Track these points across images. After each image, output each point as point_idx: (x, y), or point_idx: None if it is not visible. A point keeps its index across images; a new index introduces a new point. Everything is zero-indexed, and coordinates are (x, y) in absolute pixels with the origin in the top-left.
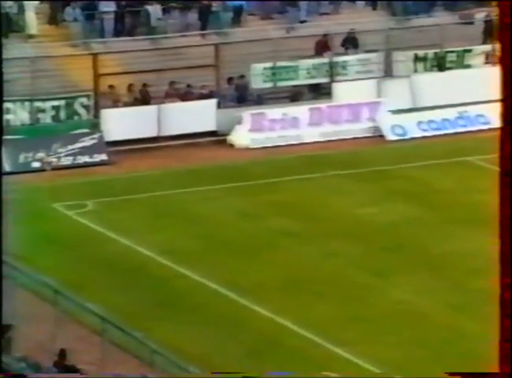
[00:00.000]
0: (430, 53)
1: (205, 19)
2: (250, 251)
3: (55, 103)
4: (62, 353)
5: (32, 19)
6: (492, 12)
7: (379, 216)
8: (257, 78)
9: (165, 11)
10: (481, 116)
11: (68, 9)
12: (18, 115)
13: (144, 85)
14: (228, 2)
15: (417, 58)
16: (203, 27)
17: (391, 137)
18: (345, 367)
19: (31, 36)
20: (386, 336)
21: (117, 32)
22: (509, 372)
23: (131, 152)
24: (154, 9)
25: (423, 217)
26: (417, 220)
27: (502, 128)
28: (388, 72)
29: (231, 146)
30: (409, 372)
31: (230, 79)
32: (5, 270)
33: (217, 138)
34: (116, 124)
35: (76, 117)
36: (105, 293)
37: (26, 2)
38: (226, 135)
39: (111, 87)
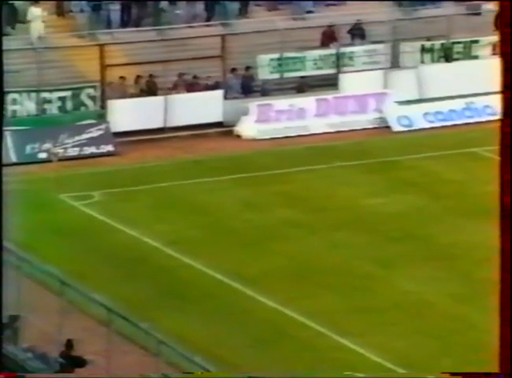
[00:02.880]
0: (437, 44)
1: (212, 10)
2: (257, 242)
3: (62, 94)
4: (69, 344)
5: (38, 28)
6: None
7: (385, 207)
8: (264, 69)
9: (171, 2)
10: (488, 107)
11: (75, 1)
12: (25, 106)
13: (151, 76)
14: None
15: (423, 49)
16: (209, 18)
17: (397, 128)
18: (351, 357)
19: (39, 38)
20: (392, 326)
21: (124, 23)
22: (509, 372)
23: (137, 143)
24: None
25: (429, 208)
26: (424, 211)
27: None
28: (395, 63)
29: (238, 137)
30: (415, 362)
31: (233, 70)
32: (12, 260)
33: (224, 129)
34: (122, 115)
35: (82, 108)
36: (111, 283)
37: (33, 11)
38: (232, 126)
39: (122, 78)
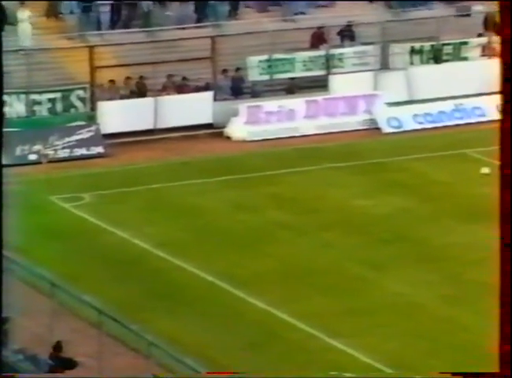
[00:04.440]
0: (426, 45)
1: (202, 11)
2: (247, 243)
3: (51, 96)
4: (58, 346)
5: (26, 30)
6: (489, 4)
7: (375, 209)
8: (254, 70)
9: (161, 3)
10: (477, 108)
11: (65, 2)
12: (14, 107)
13: (141, 77)
14: None
15: (413, 51)
16: (199, 20)
17: (387, 129)
18: (342, 359)
19: (27, 40)
20: (383, 328)
21: (114, 25)
22: (509, 373)
23: (127, 144)
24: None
25: (419, 209)
26: (414, 212)
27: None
28: (385, 65)
29: (228, 138)
30: (405, 363)
31: (224, 71)
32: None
33: (214, 130)
34: (112, 117)
35: (72, 110)
36: (102, 285)
37: (21, 13)
38: (222, 127)
39: (111, 81)
